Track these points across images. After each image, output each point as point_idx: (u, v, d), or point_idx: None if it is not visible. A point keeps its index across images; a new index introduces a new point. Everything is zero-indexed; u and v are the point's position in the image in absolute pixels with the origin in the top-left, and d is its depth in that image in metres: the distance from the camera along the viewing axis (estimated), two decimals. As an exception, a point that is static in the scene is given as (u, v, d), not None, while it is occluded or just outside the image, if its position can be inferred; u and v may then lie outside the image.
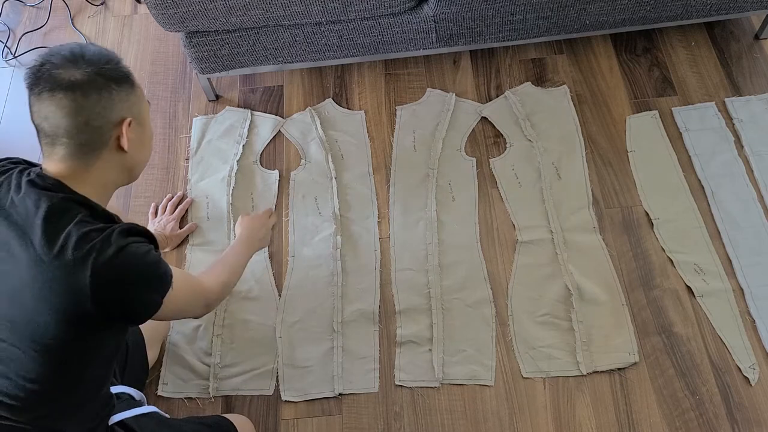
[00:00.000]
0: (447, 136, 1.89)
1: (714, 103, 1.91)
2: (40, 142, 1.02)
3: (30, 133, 1.03)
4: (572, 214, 1.75)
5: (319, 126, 1.92)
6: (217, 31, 1.76)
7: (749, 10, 1.88)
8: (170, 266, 1.08)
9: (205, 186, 1.86)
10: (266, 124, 1.95)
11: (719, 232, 1.71)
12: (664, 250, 1.70)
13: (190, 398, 1.57)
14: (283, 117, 1.97)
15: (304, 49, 1.83)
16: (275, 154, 1.91)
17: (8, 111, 2.07)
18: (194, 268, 1.72)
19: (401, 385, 1.57)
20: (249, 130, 1.94)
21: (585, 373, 1.55)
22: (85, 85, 0.98)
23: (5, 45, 2.18)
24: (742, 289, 1.63)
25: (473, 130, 1.91)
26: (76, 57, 1.00)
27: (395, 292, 1.68)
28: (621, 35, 2.05)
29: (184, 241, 1.78)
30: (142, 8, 2.24)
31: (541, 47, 2.05)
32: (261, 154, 1.91)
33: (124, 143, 1.04)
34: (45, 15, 2.26)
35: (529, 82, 1.98)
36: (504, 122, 1.91)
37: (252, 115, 1.97)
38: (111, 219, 1.03)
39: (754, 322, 1.59)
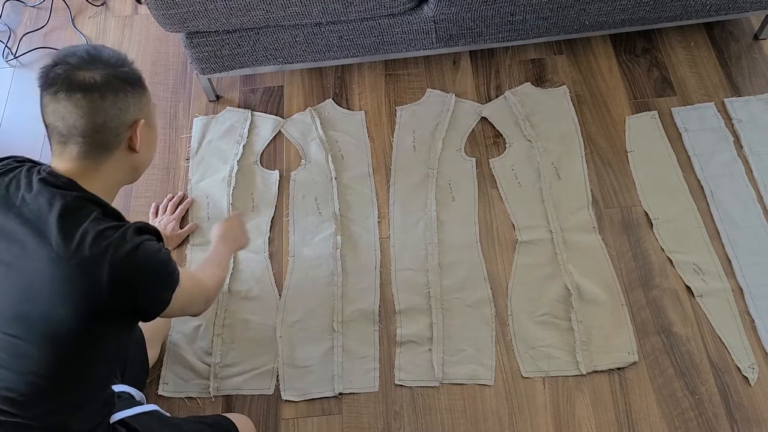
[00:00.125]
0: (447, 136, 1.90)
1: (713, 103, 1.91)
2: (50, 140, 1.04)
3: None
4: (572, 214, 1.76)
5: (319, 126, 1.92)
6: (217, 31, 1.76)
7: (748, 10, 1.88)
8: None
9: (206, 186, 1.86)
10: (266, 124, 1.96)
11: (718, 232, 1.71)
12: (663, 250, 1.70)
13: (191, 398, 1.57)
14: (283, 117, 1.97)
15: (304, 49, 1.84)
16: (275, 154, 1.92)
17: (9, 111, 2.07)
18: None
19: (401, 385, 1.57)
20: (249, 131, 1.94)
21: (584, 373, 1.55)
22: (102, 87, 1.00)
23: (6, 45, 2.19)
24: (741, 289, 1.64)
25: (473, 130, 1.92)
26: (93, 58, 1.02)
27: (395, 292, 1.68)
28: (620, 36, 2.05)
29: (185, 241, 1.78)
30: (143, 9, 2.24)
31: (540, 48, 2.05)
32: (261, 155, 1.91)
33: (137, 144, 1.07)
34: (46, 15, 2.26)
35: (529, 83, 1.98)
36: (504, 122, 1.91)
37: (252, 115, 1.97)
38: (120, 217, 1.06)
39: (753, 321, 1.60)
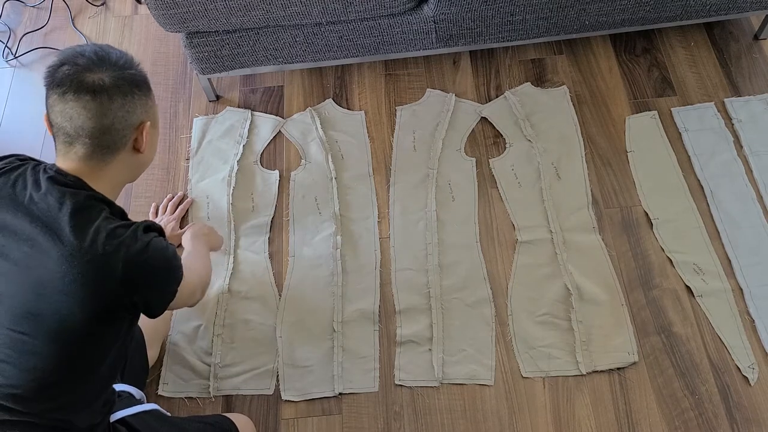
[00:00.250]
0: (447, 136, 1.90)
1: (713, 103, 1.91)
2: (55, 139, 1.05)
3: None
4: (572, 214, 1.76)
5: (319, 126, 1.92)
6: (217, 31, 1.76)
7: (748, 10, 1.88)
8: None
9: (206, 186, 1.86)
10: (266, 124, 1.96)
11: (718, 232, 1.71)
12: (663, 250, 1.70)
13: (191, 398, 1.57)
14: (283, 117, 1.97)
15: (304, 49, 1.84)
16: (275, 154, 1.92)
17: (9, 111, 2.07)
18: (195, 268, 1.72)
19: (401, 385, 1.57)
20: (249, 131, 1.94)
21: (584, 373, 1.55)
22: (111, 89, 1.02)
23: (6, 45, 2.19)
24: (741, 289, 1.64)
25: (473, 130, 1.92)
26: (101, 60, 1.03)
27: (395, 292, 1.68)
28: (620, 36, 2.05)
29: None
30: (143, 9, 2.24)
31: (540, 48, 2.05)
32: (261, 155, 1.91)
33: (142, 146, 1.09)
34: (46, 15, 2.26)
35: (529, 83, 1.98)
36: (504, 122, 1.91)
37: (252, 115, 1.97)
38: (125, 215, 1.09)
39: (753, 321, 1.60)
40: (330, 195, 1.82)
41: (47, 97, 1.03)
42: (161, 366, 1.60)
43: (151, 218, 1.80)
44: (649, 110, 1.92)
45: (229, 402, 1.57)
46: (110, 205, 1.06)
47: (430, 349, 1.60)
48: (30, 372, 1.00)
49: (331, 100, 1.99)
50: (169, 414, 1.35)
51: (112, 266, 0.99)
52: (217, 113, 1.99)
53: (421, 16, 1.77)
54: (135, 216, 1.83)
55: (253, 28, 1.77)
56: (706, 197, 1.77)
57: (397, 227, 1.77)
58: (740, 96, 1.93)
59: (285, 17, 1.70)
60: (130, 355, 1.41)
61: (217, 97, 2.02)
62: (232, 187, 1.84)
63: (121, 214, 1.08)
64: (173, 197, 1.83)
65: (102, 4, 2.28)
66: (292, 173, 1.87)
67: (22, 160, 1.09)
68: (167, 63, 2.12)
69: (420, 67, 2.04)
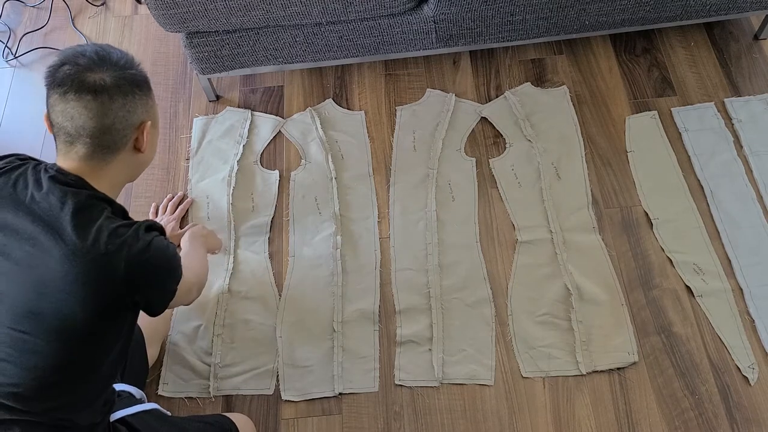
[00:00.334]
0: (447, 136, 1.90)
1: (713, 103, 1.91)
2: (56, 139, 1.05)
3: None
4: (572, 214, 1.76)
5: (319, 126, 1.92)
6: (217, 31, 1.76)
7: (748, 10, 1.88)
8: None
9: (206, 186, 1.86)
10: (266, 124, 1.96)
11: (718, 232, 1.71)
12: (663, 250, 1.70)
13: (191, 398, 1.57)
14: (283, 117, 1.97)
15: (304, 49, 1.84)
16: (275, 154, 1.92)
17: (9, 111, 2.07)
18: (194, 268, 1.73)
19: (401, 385, 1.57)
20: (249, 131, 1.94)
21: (584, 373, 1.55)
22: (112, 89, 1.02)
23: (6, 45, 2.19)
24: (741, 289, 1.64)
25: (473, 130, 1.92)
26: (102, 60, 1.04)
27: (395, 292, 1.68)
28: (620, 36, 2.05)
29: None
30: (143, 9, 2.24)
31: (540, 48, 2.05)
32: (261, 155, 1.91)
33: (143, 145, 1.09)
34: (46, 15, 2.26)
35: (529, 83, 1.98)
36: (504, 122, 1.91)
37: (252, 115, 1.97)
38: (126, 214, 1.10)
39: (753, 321, 1.60)
40: (330, 195, 1.82)
41: (48, 97, 1.03)
42: (161, 366, 1.60)
43: (151, 218, 1.80)
44: (649, 110, 1.92)
45: (229, 402, 1.57)
46: (112, 204, 1.07)
47: (430, 349, 1.60)
48: (31, 371, 1.00)
49: (331, 100, 1.99)
50: (169, 413, 1.35)
51: (114, 265, 1.00)
52: (217, 113, 1.99)
53: (421, 16, 1.77)
54: (135, 216, 1.82)
55: (253, 28, 1.77)
56: (706, 197, 1.77)
57: (397, 227, 1.77)
58: (740, 96, 1.93)
59: (285, 17, 1.70)
60: (130, 354, 1.41)
61: (217, 97, 2.02)
62: (232, 187, 1.84)
63: (122, 213, 1.09)
64: (173, 197, 1.83)
65: (102, 4, 2.28)
66: (292, 173, 1.87)
67: (23, 160, 1.09)
68: (167, 63, 2.12)
69: (420, 67, 2.04)
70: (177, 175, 1.90)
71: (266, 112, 1.98)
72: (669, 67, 2.00)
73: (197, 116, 1.98)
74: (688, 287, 1.65)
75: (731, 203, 1.75)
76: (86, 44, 1.06)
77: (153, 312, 1.11)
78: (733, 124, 1.88)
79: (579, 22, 1.84)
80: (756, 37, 2.04)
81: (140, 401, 1.30)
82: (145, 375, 1.51)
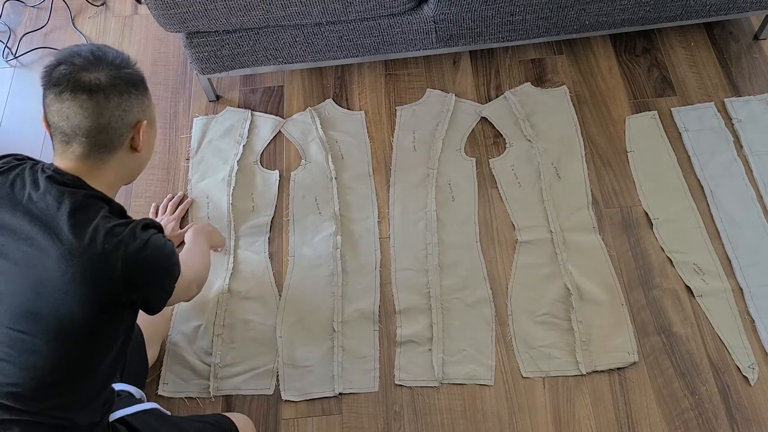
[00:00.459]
0: (447, 136, 1.90)
1: (713, 103, 1.91)
2: (53, 139, 1.05)
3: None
4: (572, 214, 1.76)
5: (319, 126, 1.92)
6: (217, 31, 1.76)
7: (749, 10, 1.88)
8: None
9: (206, 186, 1.86)
10: (266, 124, 1.96)
11: (718, 232, 1.71)
12: (663, 250, 1.70)
13: (191, 398, 1.57)
14: (283, 117, 1.97)
15: (304, 49, 1.84)
16: (275, 154, 1.92)
17: (9, 111, 2.07)
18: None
19: (401, 385, 1.57)
20: (249, 131, 1.94)
21: (584, 373, 1.55)
22: (107, 89, 1.02)
23: (6, 45, 2.19)
24: (741, 289, 1.64)
25: (473, 130, 1.92)
26: (98, 59, 1.04)
27: (395, 292, 1.68)
28: (620, 36, 2.05)
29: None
30: (143, 9, 2.24)
31: (540, 48, 2.05)
32: (261, 155, 1.91)
33: (140, 145, 1.09)
34: (45, 15, 2.26)
35: (529, 83, 1.98)
36: (504, 122, 1.91)
37: (252, 115, 1.97)
38: (124, 213, 1.10)
39: (753, 321, 1.60)
40: (330, 195, 1.82)
41: (44, 97, 1.03)
42: (161, 366, 1.60)
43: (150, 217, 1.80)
44: (649, 110, 1.92)
45: (229, 402, 1.57)
46: (109, 203, 1.07)
47: (430, 349, 1.60)
48: (30, 370, 1.00)
49: (331, 100, 1.99)
50: (168, 413, 1.35)
51: (111, 264, 1.00)
52: (217, 113, 1.99)
53: (421, 16, 1.77)
54: (134, 216, 1.83)
55: (253, 28, 1.77)
56: (706, 197, 1.77)
57: (397, 227, 1.77)
58: (740, 96, 1.93)
59: (285, 17, 1.70)
60: (130, 354, 1.41)
61: (217, 97, 2.02)
62: (232, 187, 1.84)
63: (120, 212, 1.09)
64: (173, 197, 1.83)
65: (102, 4, 2.28)
66: (292, 173, 1.87)
67: (20, 160, 1.09)
68: (167, 63, 2.12)
69: (420, 67, 2.04)
70: (177, 175, 1.90)
71: (266, 112, 1.98)
72: (669, 67, 2.00)
73: (197, 116, 1.98)
74: (688, 287, 1.65)
75: (731, 203, 1.75)
76: (82, 44, 1.07)
77: (151, 310, 1.11)
78: (733, 124, 1.88)
79: (579, 22, 1.84)
80: (756, 37, 2.04)
81: (140, 401, 1.30)
82: (144, 375, 1.51)
